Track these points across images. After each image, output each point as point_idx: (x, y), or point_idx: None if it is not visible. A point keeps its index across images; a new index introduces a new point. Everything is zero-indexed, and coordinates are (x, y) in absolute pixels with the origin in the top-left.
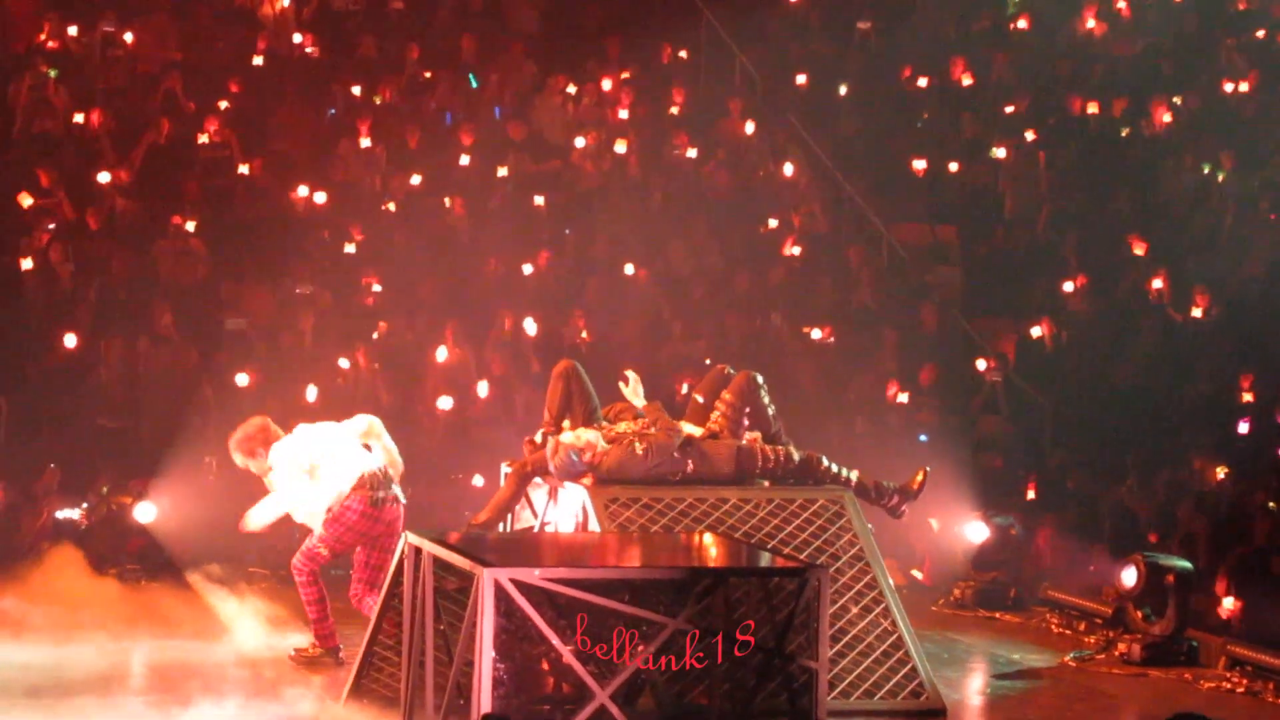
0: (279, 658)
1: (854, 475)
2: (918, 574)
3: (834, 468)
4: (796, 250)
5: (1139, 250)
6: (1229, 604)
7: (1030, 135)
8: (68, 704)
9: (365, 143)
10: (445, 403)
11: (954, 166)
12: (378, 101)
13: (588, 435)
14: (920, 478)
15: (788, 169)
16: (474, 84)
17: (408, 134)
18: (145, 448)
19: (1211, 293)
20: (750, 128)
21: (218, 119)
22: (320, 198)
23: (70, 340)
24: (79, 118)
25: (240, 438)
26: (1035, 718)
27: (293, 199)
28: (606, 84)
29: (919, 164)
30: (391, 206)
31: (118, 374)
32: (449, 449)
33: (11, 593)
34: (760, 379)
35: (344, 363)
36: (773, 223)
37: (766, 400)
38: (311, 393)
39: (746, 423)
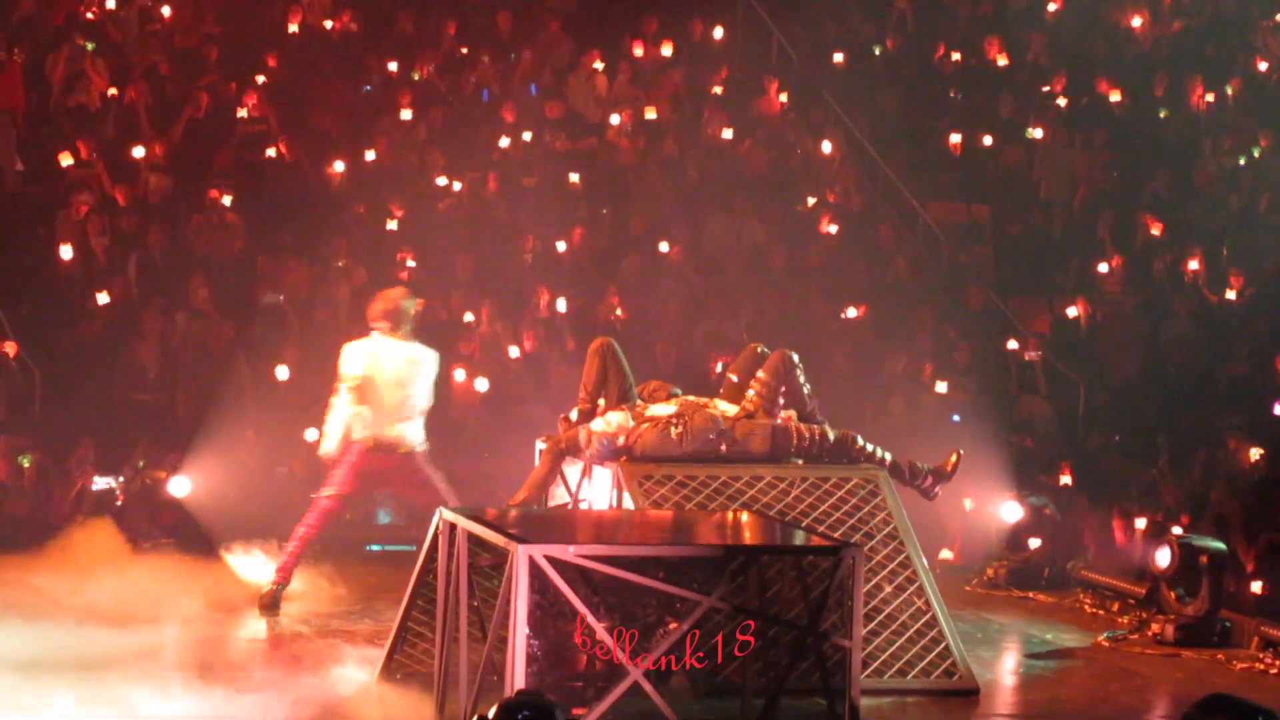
0: (310, 634)
1: (888, 456)
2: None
3: (869, 447)
4: (833, 229)
5: (1155, 230)
6: (1257, 587)
7: (1066, 115)
8: (98, 678)
9: (403, 118)
10: (481, 384)
11: (990, 145)
12: (415, 78)
13: (617, 418)
14: (954, 459)
15: (825, 147)
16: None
17: (444, 110)
18: (180, 422)
19: (1246, 274)
20: (786, 105)
21: (256, 93)
22: (356, 174)
23: (105, 312)
24: (115, 91)
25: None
26: (1068, 698)
27: (329, 174)
28: (642, 62)
29: (954, 142)
30: (442, 180)
31: (153, 348)
32: (483, 426)
33: (44, 565)
34: (796, 358)
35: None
36: (809, 201)
37: (802, 379)
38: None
39: (782, 402)
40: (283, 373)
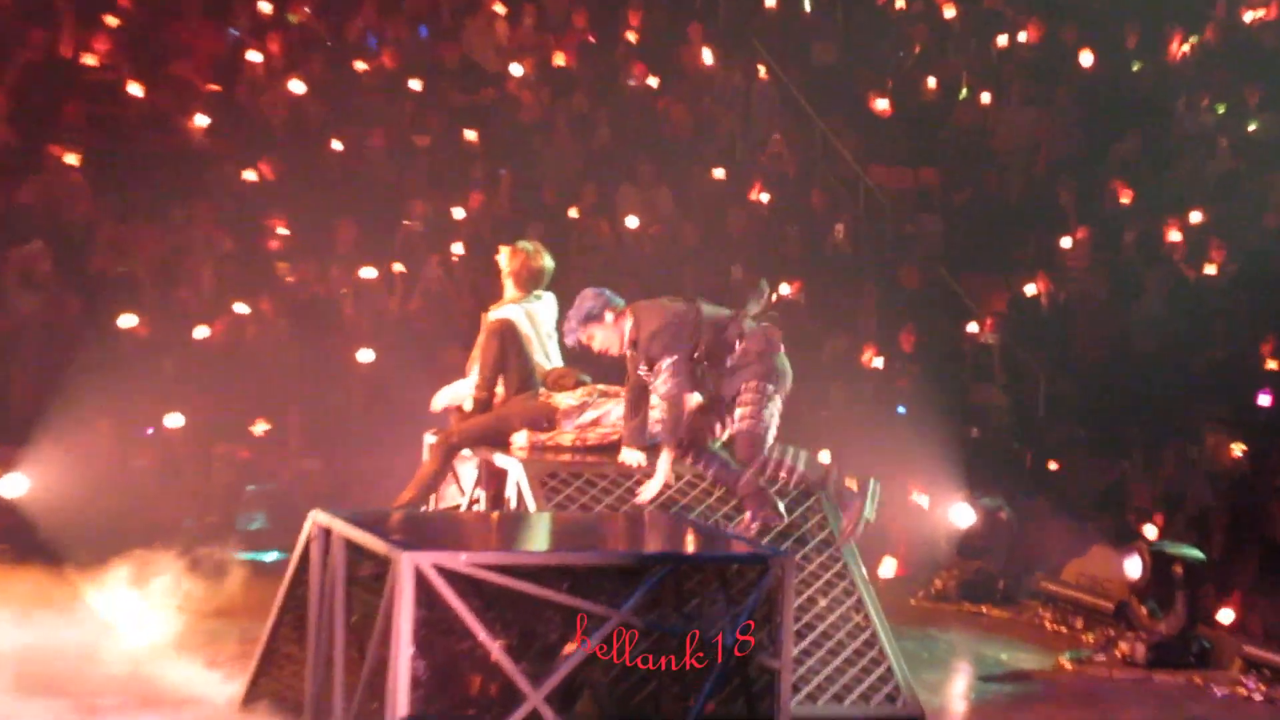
0: (166, 656)
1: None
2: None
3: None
4: (764, 196)
5: (1125, 199)
6: (1225, 616)
7: (1026, 68)
8: None
9: (274, 67)
10: (365, 355)
11: (939, 102)
12: (293, 20)
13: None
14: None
15: (754, 103)
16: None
17: (323, 57)
18: (14, 411)
19: (1228, 247)
20: (710, 57)
21: (106, 37)
22: (221, 129)
23: None
24: None
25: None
26: None
27: (190, 129)
28: (549, 3)
29: (900, 99)
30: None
31: None
32: (366, 415)
33: None
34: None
35: (242, 308)
36: (734, 164)
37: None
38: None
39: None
40: (127, 321)
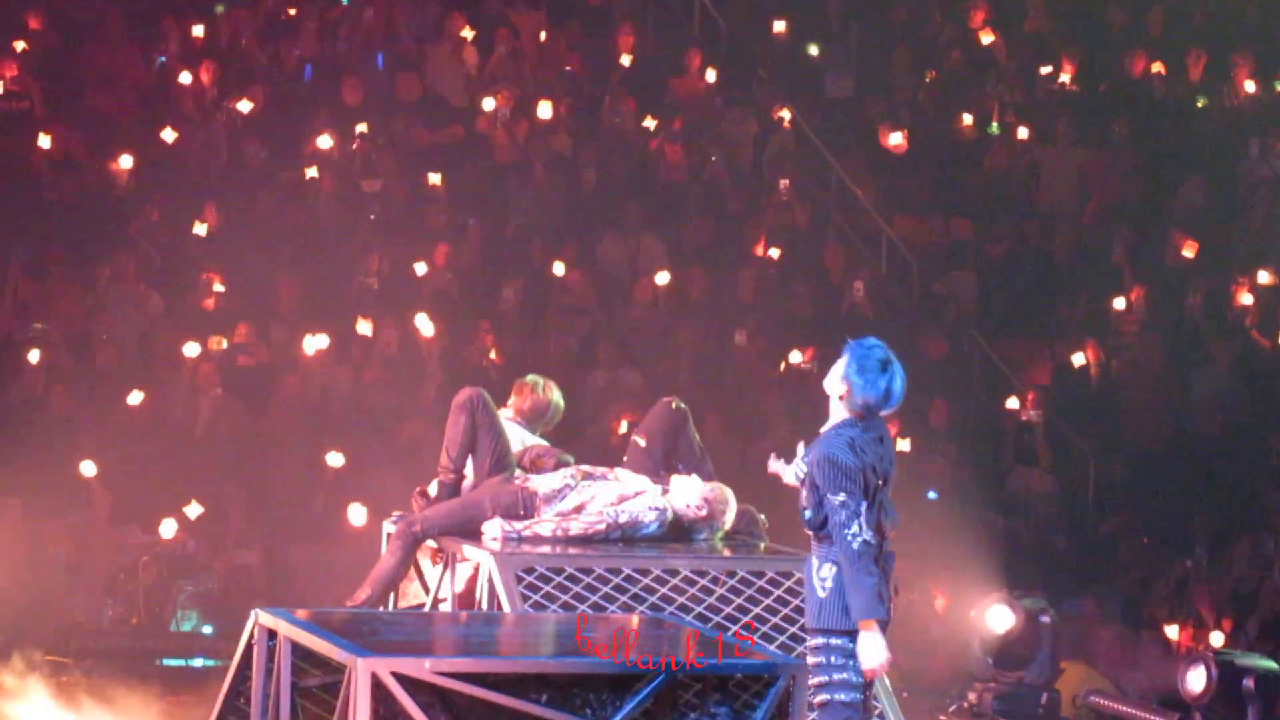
0: None
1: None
2: None
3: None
4: (774, 252)
5: (1188, 253)
6: None
7: (1074, 103)
8: None
9: (208, 99)
10: (335, 460)
11: (975, 142)
12: (219, 10)
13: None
14: None
15: (762, 143)
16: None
17: (266, 88)
18: None
19: None
20: (712, 86)
21: (15, 64)
22: (147, 170)
23: None
24: None
25: None
26: None
27: (112, 171)
28: (525, 28)
29: (929, 138)
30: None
31: None
32: (315, 500)
33: None
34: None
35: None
36: (738, 212)
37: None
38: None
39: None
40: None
